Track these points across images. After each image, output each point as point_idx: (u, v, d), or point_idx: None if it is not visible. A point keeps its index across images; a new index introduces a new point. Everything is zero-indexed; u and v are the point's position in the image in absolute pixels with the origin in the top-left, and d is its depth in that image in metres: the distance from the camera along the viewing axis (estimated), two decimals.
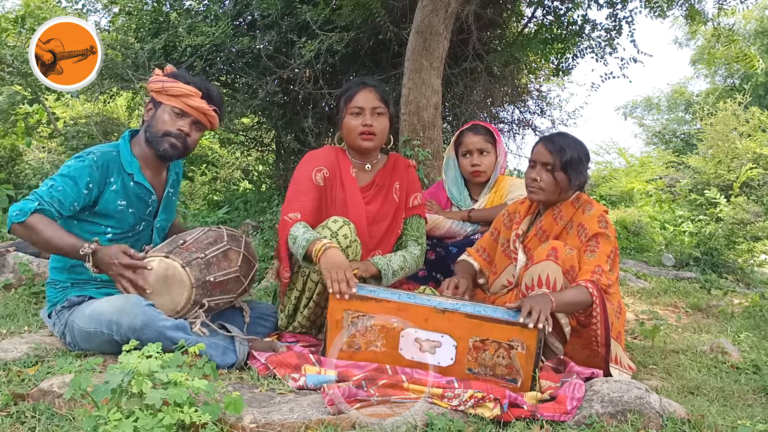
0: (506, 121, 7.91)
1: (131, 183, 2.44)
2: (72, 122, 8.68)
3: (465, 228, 3.11)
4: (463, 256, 2.85)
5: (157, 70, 2.49)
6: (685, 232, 7.82)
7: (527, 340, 2.10)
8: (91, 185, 2.32)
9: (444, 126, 6.54)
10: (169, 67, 2.53)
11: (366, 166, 2.72)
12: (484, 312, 2.21)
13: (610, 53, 6.80)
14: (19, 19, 6.80)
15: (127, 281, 2.17)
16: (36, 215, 2.18)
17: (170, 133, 2.43)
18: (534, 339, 2.10)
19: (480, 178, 3.19)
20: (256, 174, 9.49)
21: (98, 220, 2.40)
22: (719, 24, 5.72)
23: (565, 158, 2.47)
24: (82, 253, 2.16)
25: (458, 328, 2.15)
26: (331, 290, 2.18)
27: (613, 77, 6.93)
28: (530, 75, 8.08)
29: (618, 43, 6.72)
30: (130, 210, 2.44)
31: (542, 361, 2.23)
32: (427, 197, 3.31)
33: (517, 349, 2.12)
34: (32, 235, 2.20)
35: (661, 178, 11.61)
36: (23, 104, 7.16)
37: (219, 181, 9.92)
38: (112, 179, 2.39)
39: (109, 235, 2.41)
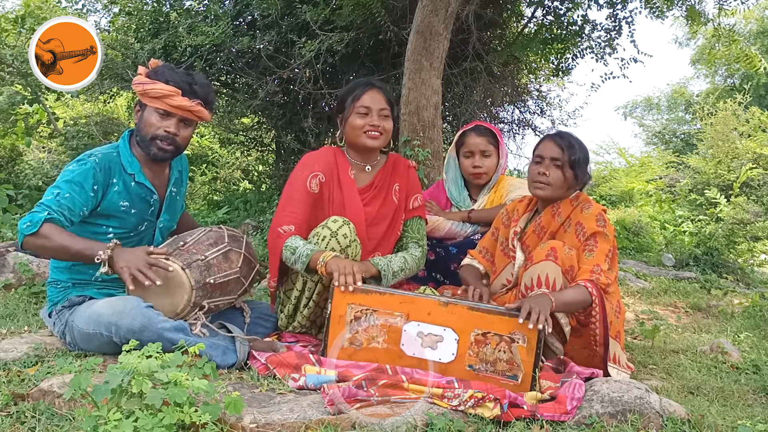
0: (506, 121, 7.91)
1: (132, 183, 2.43)
2: (72, 122, 8.68)
3: (465, 229, 3.10)
4: (467, 260, 2.84)
5: (141, 69, 2.46)
6: (685, 232, 7.82)
7: (529, 333, 2.11)
8: (96, 187, 2.31)
9: (444, 126, 6.54)
10: (153, 62, 2.49)
11: (366, 168, 2.71)
12: (486, 306, 2.22)
13: (610, 53, 6.81)
14: (19, 19, 6.81)
15: (139, 276, 2.10)
16: (47, 224, 2.16)
17: (157, 136, 2.40)
18: (535, 333, 2.11)
19: (481, 180, 3.18)
20: (256, 174, 9.50)
21: (100, 221, 2.39)
22: (719, 24, 5.72)
23: (574, 156, 2.48)
24: (97, 260, 2.14)
25: (460, 321, 2.16)
26: (336, 282, 2.19)
27: (613, 77, 6.94)
28: (530, 75, 8.08)
29: (618, 44, 6.73)
30: (133, 211, 2.44)
31: (542, 361, 2.23)
32: (427, 197, 3.31)
33: (518, 342, 2.12)
34: (46, 244, 2.17)
35: (661, 178, 11.62)
36: (23, 104, 7.17)
37: (219, 181, 9.92)
38: (114, 180, 2.39)
39: (111, 236, 2.39)
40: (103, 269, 2.15)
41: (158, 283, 2.11)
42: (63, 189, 2.25)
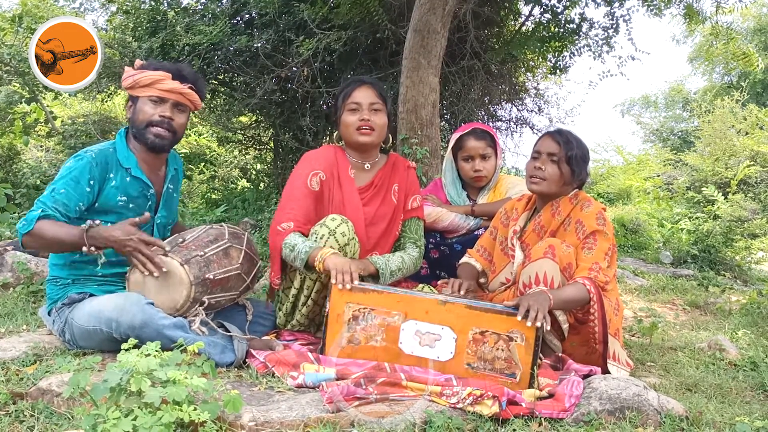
0: (504, 119, 7.91)
1: (128, 178, 2.44)
2: (70, 121, 8.66)
3: (468, 221, 3.09)
4: (465, 259, 2.84)
5: (127, 68, 2.49)
6: (682, 229, 7.82)
7: (527, 331, 2.12)
8: (92, 182, 2.33)
9: (442, 124, 6.54)
10: (138, 62, 2.53)
11: (365, 166, 2.71)
12: (484, 304, 2.23)
13: (608, 51, 6.80)
14: (17, 18, 6.78)
15: (143, 257, 2.18)
16: (40, 222, 2.19)
17: (153, 122, 2.43)
18: (533, 331, 2.11)
19: (481, 183, 3.19)
20: (254, 172, 9.49)
21: (99, 216, 2.38)
22: (717, 22, 5.71)
23: (571, 152, 2.48)
24: (85, 251, 2.17)
25: (458, 319, 2.16)
26: (334, 281, 2.20)
27: (611, 75, 6.96)
28: (528, 73, 8.07)
29: (615, 42, 6.72)
30: (131, 206, 2.44)
31: (540, 359, 2.23)
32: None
33: (516, 341, 2.12)
34: (42, 240, 2.21)
35: (658, 176, 11.63)
36: (21, 103, 7.14)
37: (217, 179, 9.91)
38: (111, 175, 2.39)
39: None
40: (86, 249, 2.18)
41: (155, 275, 2.20)
42: (59, 185, 2.28)
